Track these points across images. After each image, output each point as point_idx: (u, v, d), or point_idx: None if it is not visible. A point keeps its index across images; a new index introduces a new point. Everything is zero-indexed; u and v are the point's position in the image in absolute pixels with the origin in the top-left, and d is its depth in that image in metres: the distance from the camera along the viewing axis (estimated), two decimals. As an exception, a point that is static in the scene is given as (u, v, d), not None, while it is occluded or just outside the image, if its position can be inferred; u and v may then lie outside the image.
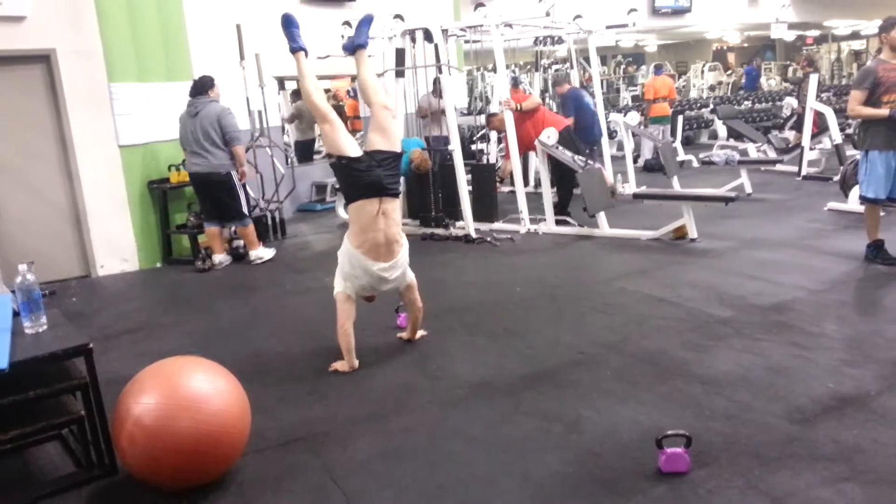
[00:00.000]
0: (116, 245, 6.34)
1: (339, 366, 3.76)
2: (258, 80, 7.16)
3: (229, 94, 7.16)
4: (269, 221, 7.36)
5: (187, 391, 2.59)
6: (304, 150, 10.36)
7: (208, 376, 2.70)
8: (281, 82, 8.41)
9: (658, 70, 12.48)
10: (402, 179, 6.85)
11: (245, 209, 6.31)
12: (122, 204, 6.31)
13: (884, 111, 4.81)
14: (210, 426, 2.55)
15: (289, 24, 3.84)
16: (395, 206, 3.75)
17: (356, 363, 3.76)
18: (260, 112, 7.21)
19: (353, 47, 3.92)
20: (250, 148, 7.18)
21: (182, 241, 6.75)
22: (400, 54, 7.13)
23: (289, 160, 8.20)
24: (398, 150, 3.78)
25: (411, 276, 3.96)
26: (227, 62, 7.09)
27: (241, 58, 6.99)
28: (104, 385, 2.77)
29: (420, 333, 4.16)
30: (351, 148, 3.65)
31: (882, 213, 5.21)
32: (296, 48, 3.82)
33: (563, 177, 7.34)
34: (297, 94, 10.81)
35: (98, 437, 2.75)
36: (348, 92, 13.21)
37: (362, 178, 3.61)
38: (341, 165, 3.65)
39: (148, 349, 4.24)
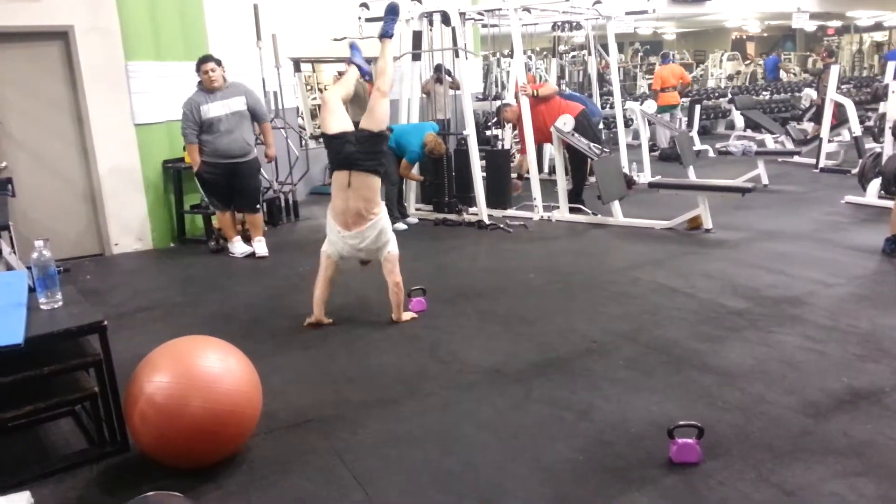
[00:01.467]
0: (131, 224, 6.37)
1: (311, 318, 4.24)
2: (274, 61, 7.14)
3: (245, 75, 7.16)
4: (283, 203, 7.36)
5: (199, 370, 2.60)
6: None
7: (220, 356, 2.71)
8: (297, 64, 8.37)
9: (665, 59, 12.32)
10: (413, 162, 6.87)
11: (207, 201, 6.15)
12: (137, 183, 6.32)
13: None
14: (221, 406, 2.56)
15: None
16: (367, 182, 4.03)
17: (323, 319, 4.21)
18: (275, 93, 7.19)
19: (379, 36, 4.37)
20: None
21: (196, 222, 6.77)
22: (417, 37, 7.08)
23: (303, 142, 8.20)
24: (377, 129, 4.08)
25: (390, 251, 4.16)
26: (243, 42, 7.07)
27: (258, 38, 6.97)
28: (117, 363, 2.78)
29: (408, 315, 4.25)
30: (334, 126, 4.06)
31: None
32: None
33: (577, 164, 7.29)
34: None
35: (111, 414, 2.77)
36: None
37: (337, 152, 4.05)
38: (324, 140, 4.16)
39: (161, 328, 4.27)
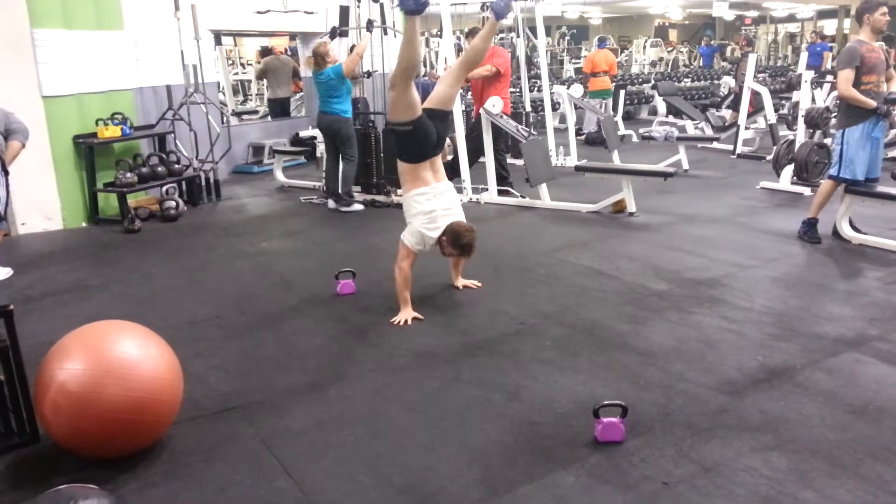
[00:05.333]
0: (39, 202, 6.02)
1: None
2: (194, 33, 6.85)
3: (163, 47, 6.87)
4: (203, 182, 7.11)
5: (115, 357, 2.48)
6: (280, 109, 10.07)
7: (138, 341, 2.60)
8: (218, 36, 8.08)
9: (602, 43, 12.49)
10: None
11: None
12: (45, 158, 5.96)
13: (871, 102, 4.88)
14: (139, 393, 2.45)
15: None
16: None
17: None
18: (195, 66, 6.91)
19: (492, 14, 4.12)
20: (184, 104, 6.90)
21: (110, 201, 6.46)
22: (344, 12, 6.93)
23: (224, 118, 7.94)
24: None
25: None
26: (161, 12, 6.76)
27: (177, 8, 6.67)
28: (26, 349, 2.64)
29: (464, 283, 4.37)
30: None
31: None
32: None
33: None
34: (266, 51, 10.47)
35: (18, 403, 2.62)
36: (285, 50, 12.78)
37: None
38: None
39: (73, 312, 4.06)
